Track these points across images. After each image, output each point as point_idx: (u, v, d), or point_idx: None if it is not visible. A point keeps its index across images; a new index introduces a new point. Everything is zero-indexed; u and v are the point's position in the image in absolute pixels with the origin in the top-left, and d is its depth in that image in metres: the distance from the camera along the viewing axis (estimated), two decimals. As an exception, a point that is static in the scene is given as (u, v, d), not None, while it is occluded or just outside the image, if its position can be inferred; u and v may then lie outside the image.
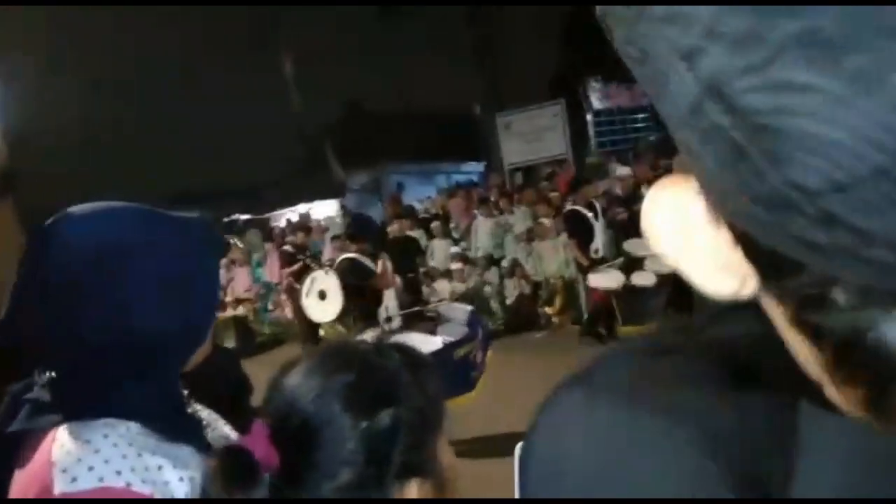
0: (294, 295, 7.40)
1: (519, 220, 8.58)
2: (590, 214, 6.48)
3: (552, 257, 7.79)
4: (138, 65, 19.12)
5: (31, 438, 0.77)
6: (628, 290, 5.92)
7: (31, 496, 0.72)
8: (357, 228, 5.78)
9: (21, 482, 0.75)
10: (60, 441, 0.75)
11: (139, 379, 0.80)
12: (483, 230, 8.83)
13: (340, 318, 7.54)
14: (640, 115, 16.69)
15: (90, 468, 0.72)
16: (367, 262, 5.11)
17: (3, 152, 1.04)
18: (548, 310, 7.83)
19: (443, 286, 8.30)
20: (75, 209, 0.84)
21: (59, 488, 0.71)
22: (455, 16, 15.01)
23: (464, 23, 14.73)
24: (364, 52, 17.54)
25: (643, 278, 5.72)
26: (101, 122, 18.09)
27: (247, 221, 13.45)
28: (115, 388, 0.79)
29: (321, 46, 17.30)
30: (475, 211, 9.33)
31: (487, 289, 8.38)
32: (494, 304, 8.32)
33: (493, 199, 9.38)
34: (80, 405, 0.78)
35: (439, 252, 8.79)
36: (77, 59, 17.73)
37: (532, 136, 11.93)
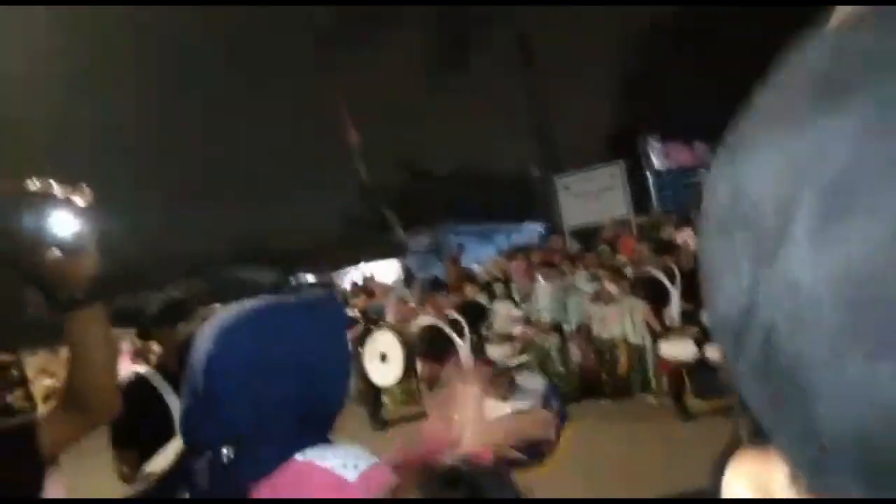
0: (356, 359, 7.49)
1: (582, 283, 8.51)
2: (665, 279, 6.34)
3: (617, 322, 7.66)
4: (208, 135, 20.23)
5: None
6: (700, 363, 5.72)
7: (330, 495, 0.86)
8: (430, 290, 5.75)
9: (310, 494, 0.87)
10: (310, 464, 0.89)
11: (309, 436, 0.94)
12: (545, 293, 8.78)
13: (402, 381, 7.58)
14: (702, 172, 16.48)
15: (354, 465, 0.89)
16: (448, 329, 5.11)
17: (94, 260, 1.14)
18: (614, 376, 7.65)
19: (505, 350, 8.24)
20: (225, 317, 0.96)
21: (351, 477, 0.87)
22: (512, 79, 15.39)
23: (519, 85, 15.07)
24: (424, 115, 18.11)
25: (717, 352, 5.51)
26: (176, 181, 19.08)
27: (312, 284, 13.79)
28: (297, 444, 0.92)
29: (384, 111, 17.95)
30: (537, 273, 9.31)
31: (550, 354, 8.28)
32: (558, 370, 8.19)
33: (555, 261, 9.35)
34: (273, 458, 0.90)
35: (501, 315, 8.76)
36: (164, 168, 18.86)
37: (592, 196, 11.92)
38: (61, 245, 1.05)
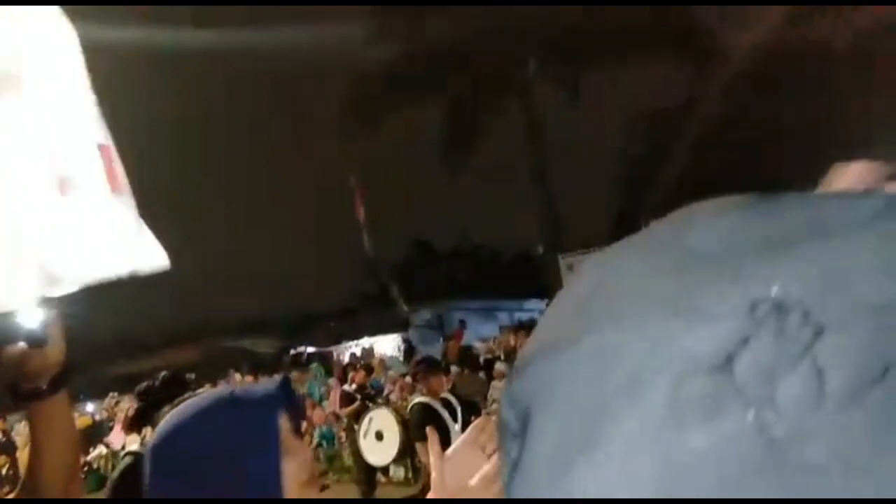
0: (352, 436, 7.32)
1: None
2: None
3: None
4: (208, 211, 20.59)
5: None
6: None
7: None
8: (425, 369, 5.71)
9: None
10: None
11: None
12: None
13: (398, 460, 7.37)
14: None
15: None
16: (440, 407, 5.02)
17: (61, 350, 1.12)
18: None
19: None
20: (175, 417, 0.96)
21: None
22: (518, 160, 15.73)
23: (525, 167, 15.39)
24: (431, 193, 18.45)
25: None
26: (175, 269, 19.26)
27: (311, 355, 13.67)
28: None
29: (391, 187, 18.31)
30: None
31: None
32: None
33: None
34: None
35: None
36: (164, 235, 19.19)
37: (595, 277, 11.94)
38: (28, 338, 0.97)
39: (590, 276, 0.31)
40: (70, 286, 0.38)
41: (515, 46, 14.24)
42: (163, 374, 2.83)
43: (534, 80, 15.22)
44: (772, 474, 0.24)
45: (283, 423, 0.96)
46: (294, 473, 0.94)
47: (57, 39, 0.39)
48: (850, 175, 0.46)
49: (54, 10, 0.38)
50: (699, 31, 14.02)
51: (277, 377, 1.03)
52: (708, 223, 0.29)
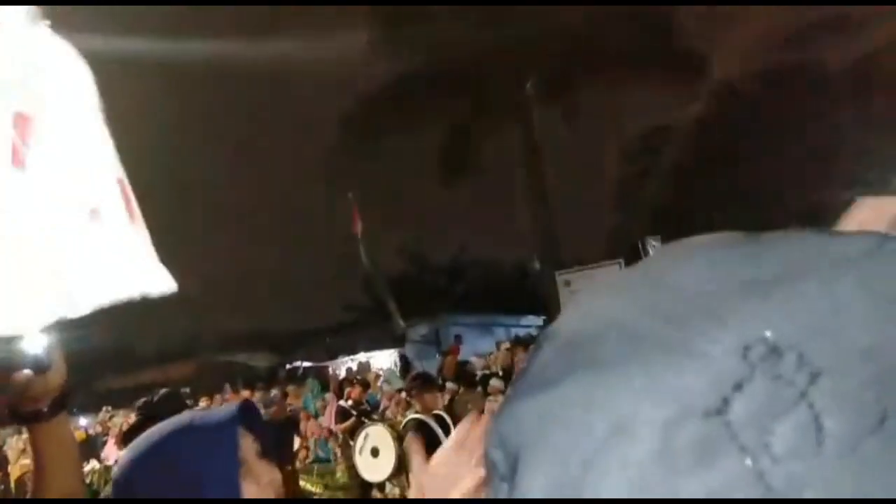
0: (347, 451, 7.28)
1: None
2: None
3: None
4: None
5: None
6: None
7: None
8: (419, 385, 5.73)
9: None
10: None
11: None
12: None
13: (393, 476, 7.34)
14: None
15: None
16: (434, 424, 5.00)
17: (63, 375, 1.13)
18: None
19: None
20: (133, 449, 0.98)
21: None
22: (516, 178, 15.80)
23: (523, 184, 15.46)
24: (428, 208, 18.50)
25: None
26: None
27: (307, 369, 13.61)
28: None
29: (388, 203, 18.35)
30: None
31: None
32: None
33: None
34: None
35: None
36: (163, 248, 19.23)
37: (592, 293, 11.96)
38: (32, 363, 0.97)
39: (577, 313, 0.31)
40: (86, 309, 0.41)
41: (514, 66, 14.37)
42: (162, 390, 2.86)
43: (532, 99, 15.35)
44: None
45: (246, 445, 0.96)
46: (256, 495, 0.93)
47: (74, 80, 0.42)
48: (869, 209, 0.46)
49: (71, 51, 0.41)
50: (696, 52, 14.16)
51: (235, 404, 1.01)
52: (698, 262, 0.29)
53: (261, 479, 0.94)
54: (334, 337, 16.38)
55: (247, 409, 1.00)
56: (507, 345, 11.97)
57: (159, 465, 0.93)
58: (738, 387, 0.24)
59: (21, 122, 0.36)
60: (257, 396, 11.40)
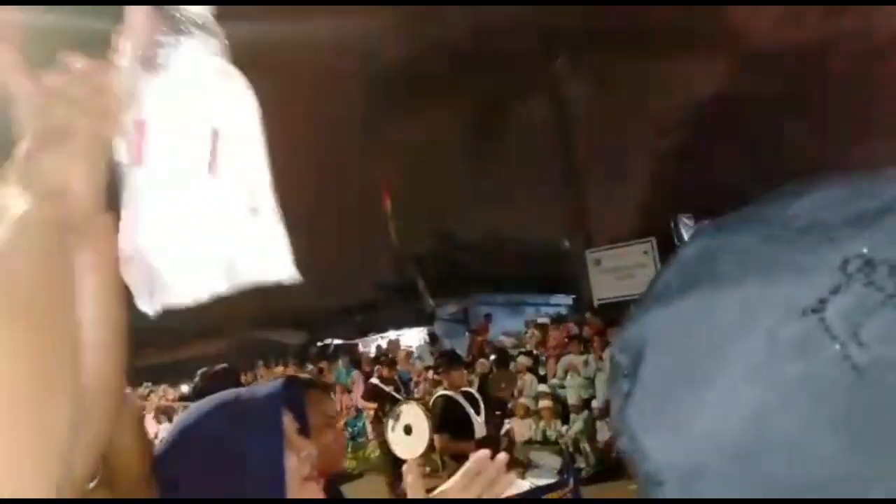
0: (379, 428, 7.38)
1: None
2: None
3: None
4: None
5: None
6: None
7: None
8: (446, 363, 5.77)
9: None
10: None
11: None
12: (573, 368, 8.63)
13: (426, 454, 7.42)
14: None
15: None
16: (463, 401, 5.07)
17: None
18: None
19: (531, 426, 8.05)
20: (182, 419, 1.03)
21: None
22: (545, 155, 15.63)
23: (553, 162, 15.29)
24: (458, 185, 18.42)
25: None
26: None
27: (337, 347, 13.79)
28: None
29: (418, 179, 18.32)
30: (567, 348, 9.17)
31: (578, 431, 8.06)
32: (584, 448, 7.95)
33: (584, 336, 9.21)
34: None
35: (528, 390, 8.62)
36: None
37: (623, 272, 11.85)
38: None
39: (697, 243, 0.36)
40: (241, 287, 0.52)
41: (544, 41, 14.15)
42: (219, 365, 2.97)
43: (562, 74, 15.11)
44: (856, 391, 0.29)
45: (288, 420, 0.99)
46: (296, 469, 0.97)
47: (244, 95, 0.52)
48: None
49: (243, 83, 0.52)
50: (729, 25, 13.76)
51: (280, 381, 1.04)
52: (814, 196, 0.34)
53: (300, 451, 0.98)
54: (364, 315, 16.54)
55: (290, 385, 1.02)
56: (536, 324, 11.97)
57: (206, 436, 0.97)
58: (835, 291, 0.30)
59: (215, 137, 0.49)
60: (290, 372, 11.62)
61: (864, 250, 0.30)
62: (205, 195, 0.49)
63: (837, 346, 0.29)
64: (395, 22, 14.23)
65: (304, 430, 1.03)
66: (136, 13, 0.48)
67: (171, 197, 0.48)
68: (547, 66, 14.90)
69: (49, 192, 0.44)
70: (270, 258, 0.52)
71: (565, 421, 8.22)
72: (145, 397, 12.80)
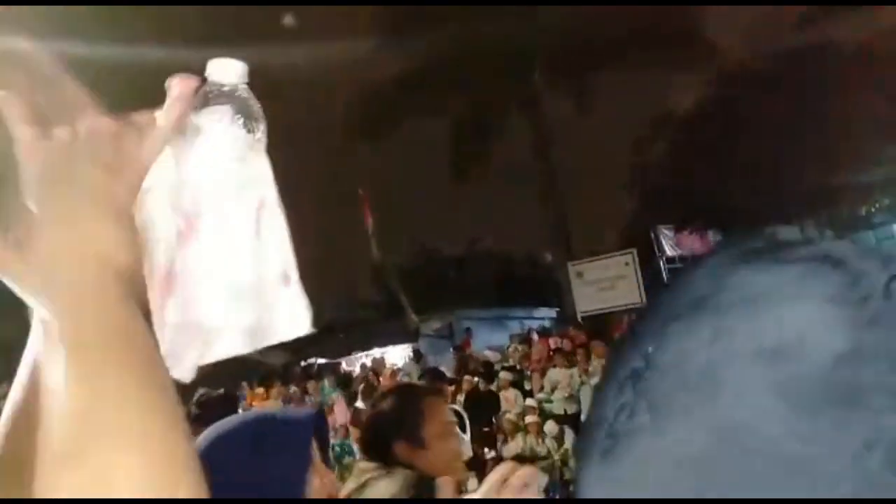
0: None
1: (598, 371, 8.34)
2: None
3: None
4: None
5: None
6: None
7: None
8: (430, 381, 5.73)
9: None
10: None
11: None
12: (559, 382, 8.62)
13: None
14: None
15: None
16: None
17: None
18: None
19: (517, 442, 8.00)
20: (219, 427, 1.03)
21: None
22: (525, 166, 15.73)
23: (533, 176, 15.39)
24: (439, 200, 18.48)
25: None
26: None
27: (321, 366, 13.65)
28: None
29: (398, 196, 18.36)
30: (551, 362, 9.16)
31: (564, 446, 8.02)
32: (571, 462, 7.90)
33: (568, 349, 9.22)
34: None
35: (514, 405, 8.57)
36: None
37: (605, 284, 11.91)
38: None
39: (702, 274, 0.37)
40: (268, 344, 0.54)
41: (521, 57, 14.29)
42: (218, 391, 2.97)
43: (540, 89, 15.26)
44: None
45: (314, 446, 1.02)
46: (318, 489, 1.01)
47: (266, 162, 0.54)
48: None
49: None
50: (704, 38, 14.02)
51: (312, 408, 1.12)
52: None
53: (322, 477, 1.01)
54: (348, 333, 16.41)
55: (319, 416, 1.11)
56: (520, 338, 11.95)
57: (242, 444, 0.98)
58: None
59: (260, 205, 0.51)
60: (274, 393, 11.46)
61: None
62: (248, 262, 0.50)
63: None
64: (377, 41, 14.32)
65: (325, 457, 1.07)
66: (182, 82, 0.48)
67: (221, 264, 0.49)
68: (525, 82, 15.05)
69: (98, 260, 0.42)
70: (294, 322, 0.54)
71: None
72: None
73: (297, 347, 16.82)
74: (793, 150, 12.35)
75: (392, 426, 1.53)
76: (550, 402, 8.51)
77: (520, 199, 16.60)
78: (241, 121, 0.50)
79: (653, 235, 14.72)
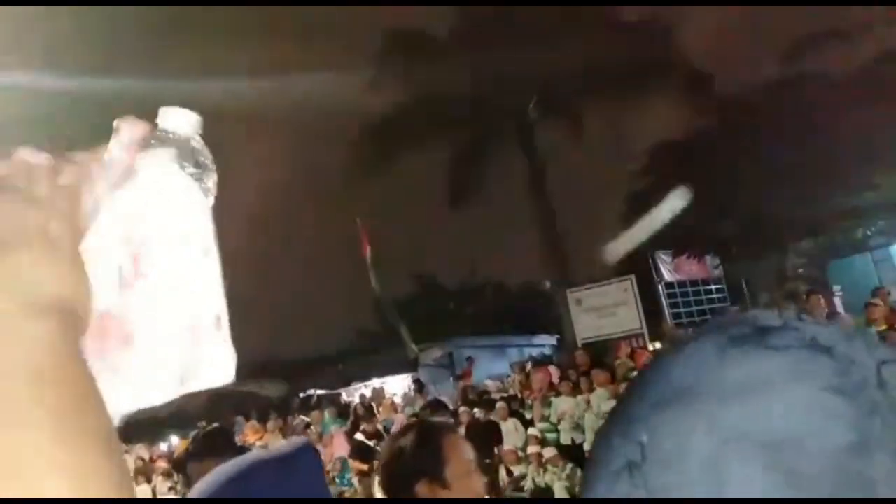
0: (366, 482, 7.20)
1: (601, 399, 8.26)
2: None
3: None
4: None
5: None
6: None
7: None
8: (430, 413, 5.67)
9: None
10: None
11: None
12: (562, 410, 8.53)
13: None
14: (714, 287, 16.46)
15: None
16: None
17: None
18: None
19: (520, 472, 7.90)
20: (209, 479, 1.02)
21: None
22: (522, 195, 15.81)
23: (531, 204, 15.46)
24: (438, 230, 18.52)
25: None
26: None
27: (320, 397, 13.53)
28: None
29: (396, 226, 18.39)
30: (554, 390, 9.08)
31: (566, 476, 7.91)
32: (574, 493, 7.78)
33: (571, 378, 9.12)
34: None
35: (515, 435, 8.47)
36: None
37: (605, 311, 11.88)
38: None
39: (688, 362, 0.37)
40: (195, 389, 0.53)
41: (516, 89, 14.47)
42: (213, 425, 2.97)
43: (535, 121, 15.43)
44: None
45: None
46: None
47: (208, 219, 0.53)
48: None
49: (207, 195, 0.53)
50: (695, 70, 14.23)
51: (299, 439, 1.13)
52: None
53: None
54: (347, 363, 16.30)
55: (309, 446, 1.12)
56: (521, 366, 11.87)
57: (238, 491, 0.99)
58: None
59: (203, 251, 0.51)
60: (271, 426, 11.32)
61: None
62: (184, 304, 0.50)
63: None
64: (375, 74, 14.51)
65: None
66: (131, 125, 0.48)
67: (164, 306, 0.49)
68: (521, 113, 15.22)
69: (47, 306, 0.40)
70: (221, 367, 0.53)
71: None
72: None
73: (295, 379, 16.68)
74: (787, 176, 12.45)
75: (413, 467, 1.49)
76: (556, 431, 8.41)
77: (517, 227, 16.66)
78: (189, 169, 0.50)
79: (650, 260, 14.75)
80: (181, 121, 0.50)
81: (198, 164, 0.51)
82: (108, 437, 0.40)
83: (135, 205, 0.49)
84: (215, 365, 0.52)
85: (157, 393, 0.50)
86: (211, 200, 0.52)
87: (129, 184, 0.49)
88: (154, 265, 0.48)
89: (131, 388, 0.49)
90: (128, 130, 0.49)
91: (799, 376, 0.33)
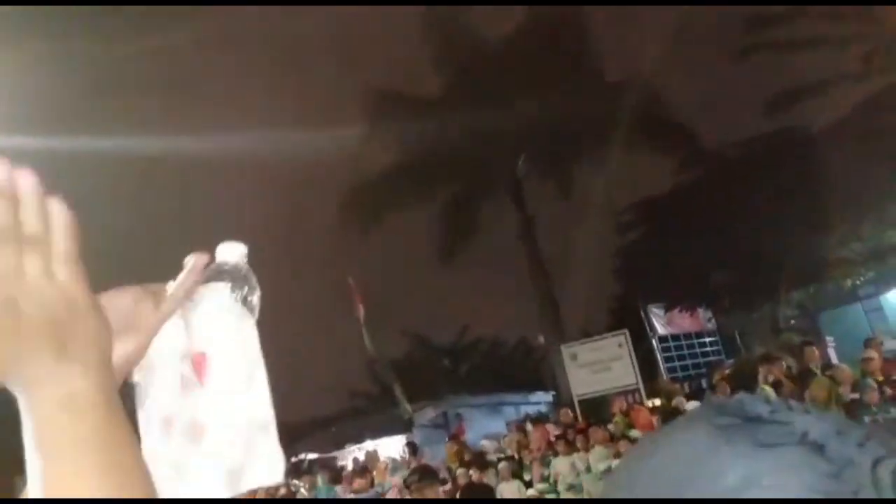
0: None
1: (600, 457, 8.10)
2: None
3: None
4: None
5: None
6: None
7: None
8: (418, 480, 5.45)
9: None
10: None
11: None
12: (560, 469, 8.34)
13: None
14: (708, 340, 16.41)
15: None
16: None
17: None
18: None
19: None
20: None
21: None
22: (513, 251, 15.89)
23: (521, 260, 15.52)
24: (430, 288, 18.48)
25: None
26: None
27: (312, 461, 13.18)
28: None
29: (388, 286, 18.35)
30: (552, 448, 8.89)
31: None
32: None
33: (568, 437, 8.95)
34: None
35: (511, 496, 8.24)
36: None
37: (599, 366, 11.77)
38: None
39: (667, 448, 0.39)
40: (241, 490, 0.57)
41: (505, 146, 14.75)
42: None
43: (524, 176, 15.68)
44: None
45: None
46: None
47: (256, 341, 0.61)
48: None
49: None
50: (680, 124, 14.60)
51: None
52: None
53: None
54: (340, 425, 15.96)
55: None
56: (518, 424, 11.65)
57: None
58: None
59: (252, 361, 0.59)
60: (261, 493, 10.95)
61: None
62: (242, 409, 0.57)
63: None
64: (366, 133, 14.77)
65: None
66: (197, 257, 0.58)
67: (221, 409, 0.56)
68: (510, 169, 15.47)
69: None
70: (272, 468, 0.58)
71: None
72: None
73: (287, 441, 16.28)
74: (777, 228, 12.61)
75: None
76: (556, 492, 8.21)
77: (509, 283, 16.67)
78: (238, 294, 0.59)
79: (643, 314, 14.73)
80: (234, 252, 0.61)
81: (246, 287, 0.60)
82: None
83: (198, 326, 0.57)
84: (267, 466, 0.57)
85: (216, 489, 0.55)
86: (256, 315, 0.61)
87: (192, 308, 0.58)
88: (215, 375, 0.56)
89: (193, 484, 0.55)
90: (193, 261, 0.58)
91: (791, 478, 0.32)
